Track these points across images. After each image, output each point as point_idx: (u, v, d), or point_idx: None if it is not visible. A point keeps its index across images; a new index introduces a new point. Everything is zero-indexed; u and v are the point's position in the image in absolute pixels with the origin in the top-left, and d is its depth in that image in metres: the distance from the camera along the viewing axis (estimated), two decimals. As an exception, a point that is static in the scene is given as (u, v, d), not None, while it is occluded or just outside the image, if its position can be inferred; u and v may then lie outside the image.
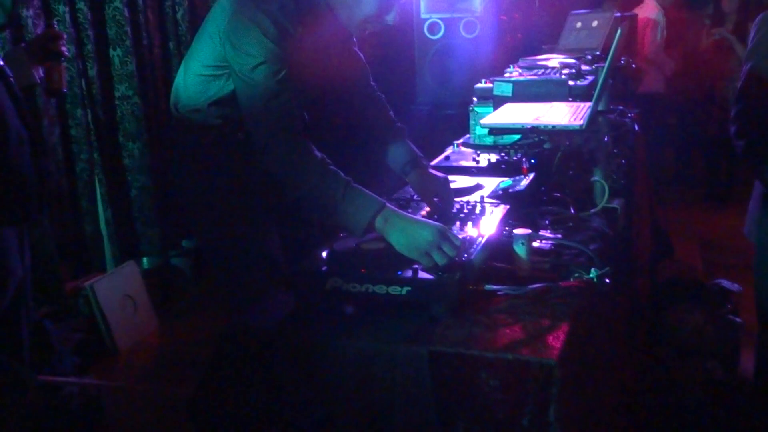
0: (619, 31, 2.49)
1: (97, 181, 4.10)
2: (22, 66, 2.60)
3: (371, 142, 2.45)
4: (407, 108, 5.16)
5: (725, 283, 3.43)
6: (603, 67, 2.63)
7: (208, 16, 2.23)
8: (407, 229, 1.82)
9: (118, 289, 3.99)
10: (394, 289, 1.70)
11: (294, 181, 1.96)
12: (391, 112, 2.49)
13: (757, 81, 2.44)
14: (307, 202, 1.96)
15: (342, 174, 1.93)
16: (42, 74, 2.62)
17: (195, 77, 2.19)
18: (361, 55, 2.49)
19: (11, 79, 2.52)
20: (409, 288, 1.69)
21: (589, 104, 2.53)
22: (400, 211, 1.90)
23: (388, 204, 1.89)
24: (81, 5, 3.92)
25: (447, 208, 2.16)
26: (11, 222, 2.54)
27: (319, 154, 1.96)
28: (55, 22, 2.81)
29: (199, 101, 2.18)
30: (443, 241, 1.76)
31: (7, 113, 2.43)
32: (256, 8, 2.01)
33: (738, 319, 3.18)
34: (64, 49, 2.65)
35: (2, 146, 2.46)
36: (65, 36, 2.65)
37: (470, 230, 1.96)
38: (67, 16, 3.80)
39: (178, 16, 4.52)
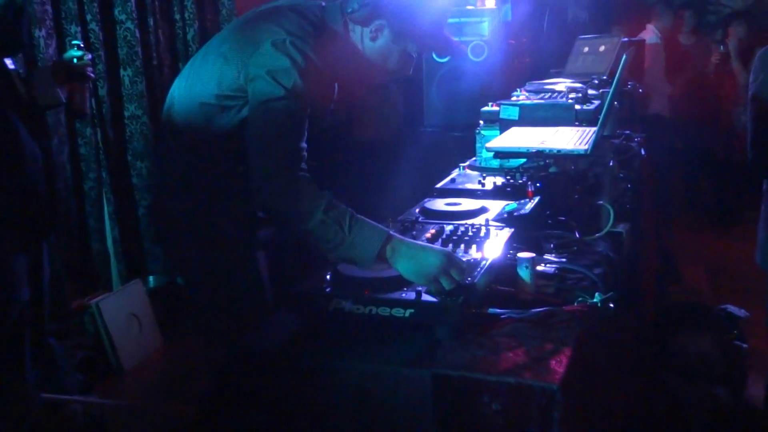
0: (624, 56, 2.50)
1: (105, 199, 4.12)
2: (47, 86, 2.62)
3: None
4: (415, 130, 5.17)
5: (732, 308, 3.41)
6: (608, 91, 2.64)
7: (220, 39, 2.19)
8: (415, 257, 1.81)
9: (123, 308, 4.00)
10: (398, 311, 1.69)
11: (298, 217, 1.90)
12: None
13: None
14: (313, 238, 1.89)
15: (343, 206, 1.90)
16: (66, 94, 2.65)
17: (199, 105, 2.11)
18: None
19: (27, 100, 2.55)
20: (413, 310, 1.69)
21: (594, 129, 2.54)
22: (405, 238, 1.89)
23: (392, 233, 1.87)
24: (93, 26, 3.96)
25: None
26: (23, 246, 2.56)
27: (322, 190, 1.92)
28: (81, 43, 2.82)
29: (203, 132, 2.12)
30: (451, 267, 1.76)
31: (21, 134, 2.44)
32: (287, 38, 1.99)
33: (745, 345, 3.16)
34: (89, 71, 2.67)
35: (18, 168, 2.48)
36: (92, 58, 2.68)
37: (474, 253, 1.96)
38: (79, 36, 3.84)
39: (189, 36, 4.56)
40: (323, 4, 2.17)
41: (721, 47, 6.19)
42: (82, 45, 2.74)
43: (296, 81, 1.95)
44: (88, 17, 3.95)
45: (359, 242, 1.83)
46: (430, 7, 2.10)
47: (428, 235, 2.13)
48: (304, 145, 1.99)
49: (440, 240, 2.06)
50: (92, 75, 2.70)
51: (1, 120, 2.41)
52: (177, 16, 4.51)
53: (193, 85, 2.14)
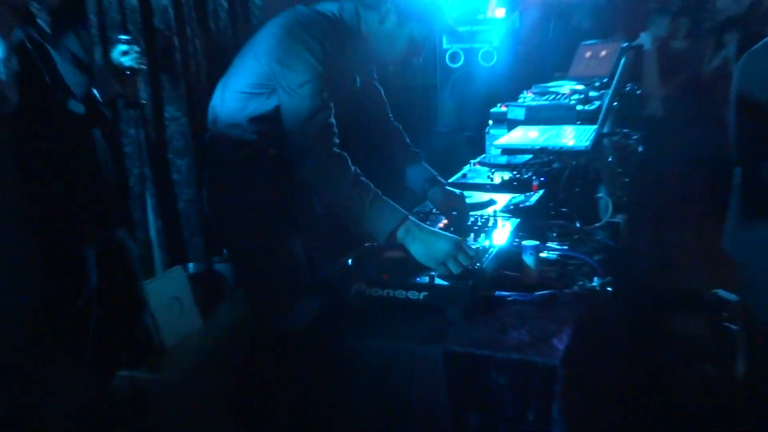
0: (623, 60, 2.49)
1: (147, 194, 4.15)
2: (106, 79, 2.63)
3: (391, 165, 2.48)
4: (430, 130, 5.17)
5: (722, 292, 3.39)
6: (607, 92, 2.64)
7: (251, 41, 2.25)
8: (426, 240, 1.84)
9: (166, 292, 4.03)
10: (413, 294, 1.71)
11: (328, 190, 2.00)
12: (408, 139, 2.52)
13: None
14: (339, 208, 1.98)
15: (372, 186, 1.96)
16: (119, 89, 2.61)
17: (235, 94, 2.20)
18: (381, 89, 2.52)
19: (98, 99, 2.57)
20: (426, 293, 1.71)
21: (595, 127, 2.54)
22: (420, 223, 1.91)
23: (410, 216, 1.90)
24: (135, 34, 3.99)
25: (463, 220, 2.18)
26: (94, 238, 2.60)
27: (353, 166, 1.99)
28: (128, 36, 2.76)
29: (238, 117, 2.19)
30: (459, 252, 1.77)
31: (95, 134, 2.48)
32: (304, 32, 2.05)
33: (734, 326, 3.14)
34: (138, 62, 2.61)
35: (93, 165, 2.52)
36: (137, 49, 2.64)
37: (483, 241, 1.97)
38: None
39: (223, 45, 4.58)
40: (341, 3, 2.21)
41: (721, 54, 6.10)
42: (128, 38, 2.68)
43: (314, 65, 2.01)
44: (130, 27, 3.98)
45: (376, 218, 1.88)
46: None
47: (441, 225, 2.15)
48: (332, 121, 2.04)
49: (451, 229, 2.08)
50: (143, 66, 2.66)
51: (76, 115, 2.45)
52: (212, 25, 4.53)
53: (232, 79, 2.24)
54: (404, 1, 2.10)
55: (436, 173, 2.41)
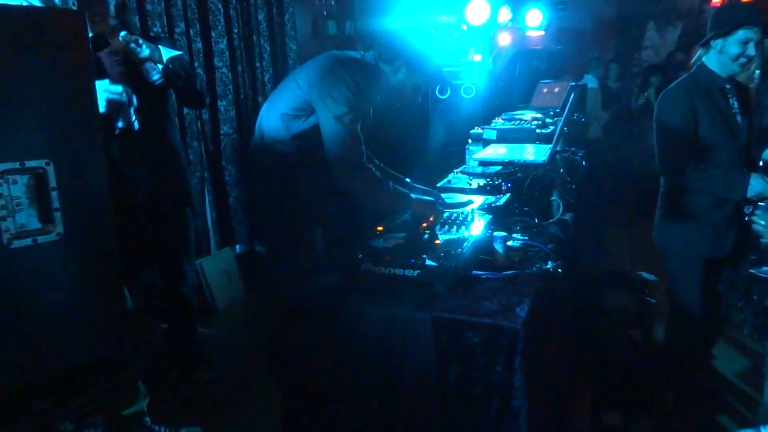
0: (572, 95, 2.45)
1: (206, 191, 4.12)
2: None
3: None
4: (423, 146, 5.14)
5: (645, 274, 3.34)
6: (560, 119, 2.60)
7: (294, 74, 2.24)
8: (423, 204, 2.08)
9: (218, 266, 4.02)
10: (408, 272, 1.68)
11: (358, 193, 2.09)
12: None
13: (671, 143, 2.41)
14: (368, 204, 2.10)
15: (390, 183, 2.11)
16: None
17: (279, 115, 2.17)
18: None
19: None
20: (419, 271, 1.67)
21: (550, 146, 2.50)
22: (419, 196, 2.14)
23: (412, 196, 2.12)
24: (199, 70, 3.96)
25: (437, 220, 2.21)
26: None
27: (378, 174, 2.10)
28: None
29: (282, 134, 2.17)
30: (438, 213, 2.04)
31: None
32: (343, 69, 2.07)
33: (653, 300, 3.11)
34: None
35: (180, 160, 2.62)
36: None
37: (463, 232, 1.94)
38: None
39: (265, 78, 4.55)
40: (363, 53, 2.21)
41: (645, 94, 6.05)
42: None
43: (351, 99, 2.02)
44: (196, 64, 3.95)
45: (392, 205, 2.08)
46: (431, 54, 2.20)
47: (431, 218, 2.11)
48: (363, 143, 2.09)
49: (439, 223, 2.04)
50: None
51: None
52: (257, 64, 4.50)
53: (276, 103, 2.22)
54: (414, 62, 2.15)
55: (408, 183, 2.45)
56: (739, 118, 2.31)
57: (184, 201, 2.76)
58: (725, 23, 2.26)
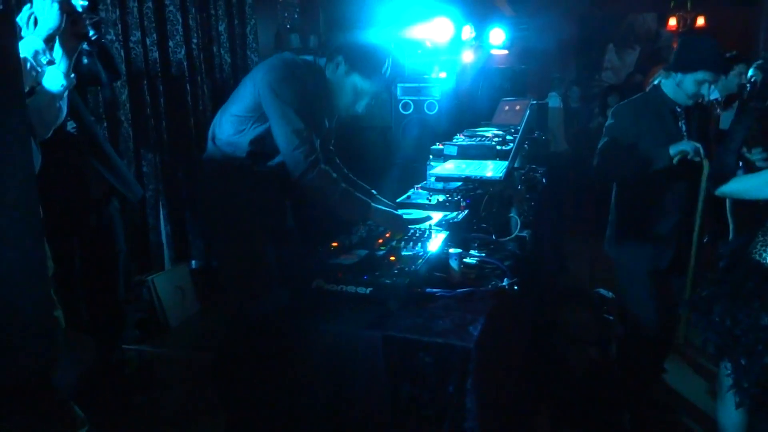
0: (527, 112, 2.48)
1: (161, 204, 4.02)
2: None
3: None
4: (386, 161, 5.13)
5: (603, 291, 3.39)
6: (518, 136, 2.62)
7: (249, 76, 2.14)
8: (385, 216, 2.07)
9: (172, 282, 3.90)
10: (361, 289, 1.65)
11: (317, 194, 2.02)
12: (344, 169, 2.45)
13: (608, 147, 2.48)
14: (326, 206, 2.02)
15: (347, 187, 2.04)
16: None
17: (231, 117, 2.08)
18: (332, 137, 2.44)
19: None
20: (372, 288, 1.64)
21: (506, 162, 2.51)
22: (379, 206, 2.11)
23: (373, 204, 2.07)
24: (157, 82, 3.88)
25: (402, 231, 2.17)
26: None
27: (335, 175, 2.03)
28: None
29: (233, 137, 2.07)
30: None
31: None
32: (292, 70, 2.00)
33: (611, 317, 3.14)
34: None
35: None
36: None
37: (419, 248, 1.91)
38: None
39: (225, 90, 4.48)
40: (316, 57, 2.14)
41: (599, 119, 6.21)
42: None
43: (298, 99, 1.96)
44: (153, 73, 3.87)
45: (350, 210, 2.04)
46: (374, 52, 2.08)
47: (388, 234, 2.08)
48: (316, 142, 2.02)
49: (395, 238, 2.01)
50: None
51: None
52: (217, 75, 4.44)
53: (229, 107, 2.12)
54: (351, 55, 2.04)
55: (372, 193, 2.39)
56: (685, 140, 2.39)
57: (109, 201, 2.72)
58: (687, 60, 2.36)
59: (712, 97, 4.03)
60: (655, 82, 2.52)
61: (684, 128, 2.42)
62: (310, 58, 2.13)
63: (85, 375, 2.55)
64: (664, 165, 2.32)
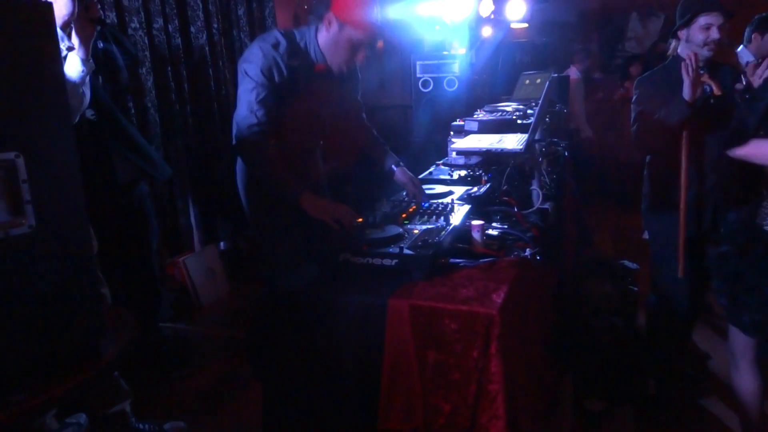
0: (547, 84, 2.48)
1: (189, 188, 4.12)
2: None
3: (366, 157, 2.49)
4: (407, 139, 5.16)
5: (627, 263, 3.40)
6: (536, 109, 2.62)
7: None
8: (318, 204, 2.01)
9: (203, 263, 4.01)
10: (387, 261, 1.70)
11: (253, 166, 2.11)
12: (376, 134, 2.52)
13: (643, 116, 2.46)
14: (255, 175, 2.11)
15: (276, 166, 2.04)
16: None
17: (240, 98, 2.18)
18: (357, 97, 2.48)
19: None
20: (397, 260, 1.69)
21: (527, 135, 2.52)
22: (314, 196, 2.05)
23: (306, 192, 2.04)
24: (179, 67, 3.94)
25: (421, 199, 2.22)
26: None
27: (270, 154, 2.05)
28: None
29: (249, 119, 2.12)
30: (336, 214, 1.94)
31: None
32: (262, 46, 2.08)
33: (635, 288, 3.15)
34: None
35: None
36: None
37: (443, 221, 1.96)
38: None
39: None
40: (310, 24, 2.23)
41: (625, 84, 6.12)
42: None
43: (261, 74, 2.04)
44: (175, 61, 3.93)
45: (280, 186, 2.05)
46: (365, 3, 2.07)
47: (411, 209, 2.13)
48: (264, 121, 2.06)
49: (418, 213, 2.06)
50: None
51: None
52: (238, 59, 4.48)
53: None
54: (344, 10, 2.07)
55: (398, 158, 2.43)
56: (712, 101, 2.36)
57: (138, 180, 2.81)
58: (685, 12, 2.36)
59: (745, 60, 3.94)
60: (674, 52, 2.51)
61: (708, 90, 2.38)
62: (303, 28, 2.17)
63: (127, 350, 2.67)
64: (683, 113, 2.29)
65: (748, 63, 4.07)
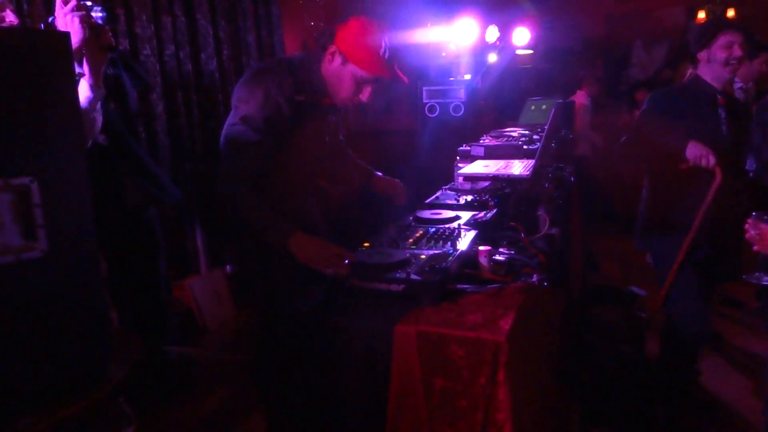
0: (552, 110, 2.50)
1: (196, 211, 4.14)
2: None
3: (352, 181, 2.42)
4: (413, 164, 5.18)
5: (635, 289, 3.38)
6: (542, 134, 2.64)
7: None
8: (309, 246, 1.83)
9: (209, 287, 4.02)
10: (394, 286, 1.70)
11: (236, 210, 1.90)
12: (354, 157, 2.46)
13: (642, 131, 2.48)
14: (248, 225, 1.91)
15: (264, 212, 1.87)
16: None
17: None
18: (342, 128, 2.36)
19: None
20: (404, 285, 1.69)
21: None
22: (306, 236, 1.87)
23: (296, 233, 1.85)
24: (191, 93, 3.99)
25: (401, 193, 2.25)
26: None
27: (256, 200, 1.87)
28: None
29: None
30: (331, 258, 1.75)
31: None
32: (261, 79, 1.91)
33: (643, 314, 3.13)
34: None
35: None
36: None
37: (450, 247, 1.96)
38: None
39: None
40: (311, 51, 2.06)
41: (633, 112, 6.16)
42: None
43: (257, 112, 1.86)
44: (186, 86, 3.98)
45: (271, 236, 1.86)
46: (371, 38, 1.94)
47: (418, 234, 2.13)
48: (260, 162, 1.90)
49: (425, 238, 2.06)
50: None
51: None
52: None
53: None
54: (344, 45, 1.94)
55: (373, 170, 2.41)
56: (724, 128, 2.37)
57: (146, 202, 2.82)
58: (704, 34, 2.37)
59: (736, 87, 3.97)
60: (692, 76, 2.52)
61: (723, 115, 2.39)
62: (303, 54, 2.07)
63: (132, 374, 2.66)
64: (680, 148, 2.29)
65: (740, 88, 4.11)
